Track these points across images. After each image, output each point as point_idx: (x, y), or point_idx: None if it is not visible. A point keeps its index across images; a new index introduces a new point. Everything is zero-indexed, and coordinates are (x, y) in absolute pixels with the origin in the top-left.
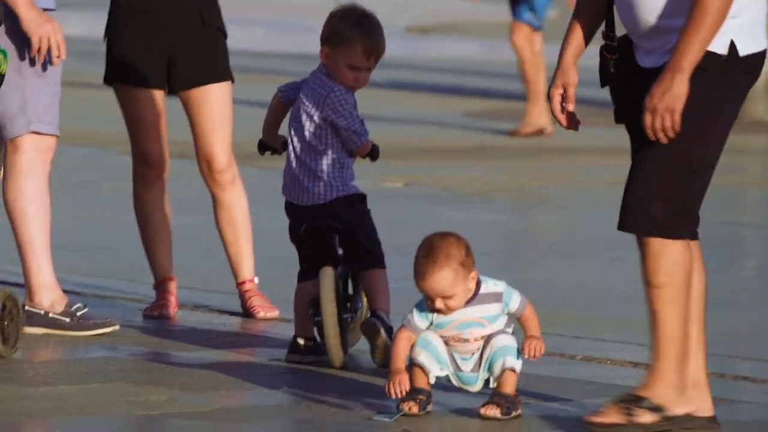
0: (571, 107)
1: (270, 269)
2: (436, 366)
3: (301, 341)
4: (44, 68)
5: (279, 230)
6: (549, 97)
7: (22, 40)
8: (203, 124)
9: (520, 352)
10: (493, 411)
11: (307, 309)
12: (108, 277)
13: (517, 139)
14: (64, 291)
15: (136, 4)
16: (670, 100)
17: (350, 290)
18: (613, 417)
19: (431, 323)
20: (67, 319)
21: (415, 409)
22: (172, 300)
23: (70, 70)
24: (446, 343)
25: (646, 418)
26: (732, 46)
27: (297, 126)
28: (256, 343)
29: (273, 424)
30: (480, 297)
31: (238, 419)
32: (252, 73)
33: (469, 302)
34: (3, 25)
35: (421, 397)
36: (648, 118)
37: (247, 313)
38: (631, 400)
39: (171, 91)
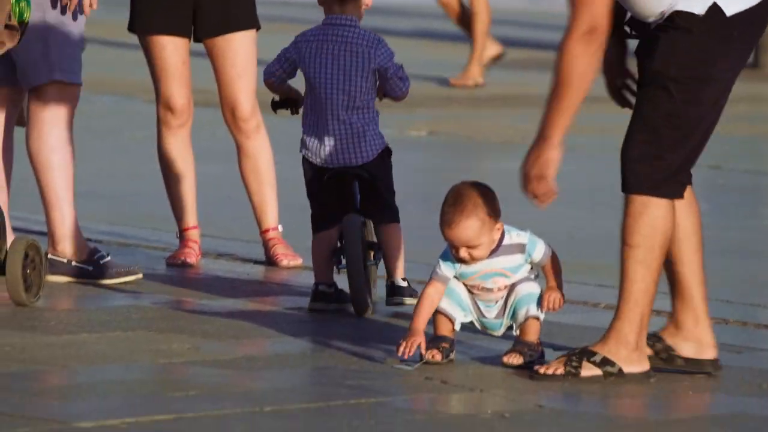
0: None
1: (293, 218)
2: (460, 313)
3: (323, 288)
4: (74, 17)
5: (302, 178)
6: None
7: None
8: (228, 72)
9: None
10: (516, 359)
11: (329, 256)
12: (131, 225)
13: (526, 89)
14: (87, 239)
15: None
16: (540, 167)
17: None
18: (555, 368)
19: (456, 273)
20: (90, 268)
21: (438, 357)
22: (196, 248)
23: (95, 18)
24: (470, 291)
25: (588, 371)
26: (713, 7)
27: (333, 86)
28: (279, 292)
29: (295, 372)
30: (504, 248)
31: (261, 367)
32: (277, 22)
33: (492, 253)
34: None
35: (444, 345)
36: (523, 185)
37: (270, 261)
38: (582, 354)
39: (196, 39)
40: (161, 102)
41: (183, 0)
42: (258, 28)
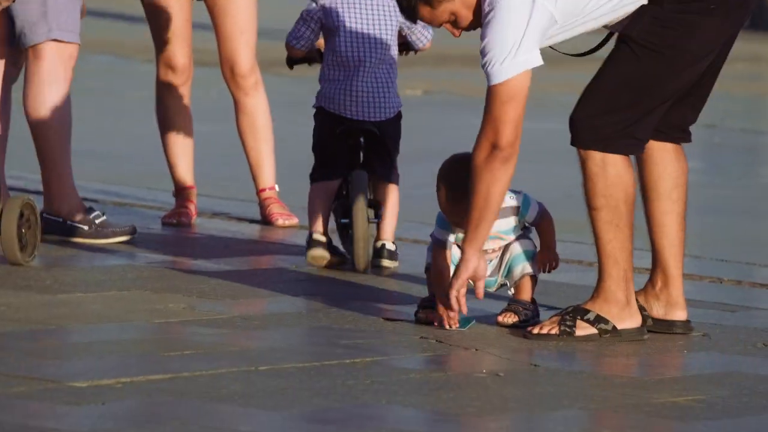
0: None
1: (290, 177)
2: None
3: (318, 237)
4: None
5: (299, 138)
6: None
7: None
8: (228, 28)
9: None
10: (511, 318)
11: (327, 207)
12: (127, 184)
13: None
14: (83, 199)
15: None
16: (462, 278)
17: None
18: (549, 328)
19: (453, 237)
20: (86, 227)
21: (433, 316)
22: (192, 208)
23: None
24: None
25: (582, 330)
26: None
27: (362, 40)
28: (275, 251)
29: (290, 332)
30: (499, 212)
31: (256, 327)
32: None
33: None
34: None
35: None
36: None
37: (266, 220)
38: (576, 313)
39: None
40: (162, 61)
41: None
42: None
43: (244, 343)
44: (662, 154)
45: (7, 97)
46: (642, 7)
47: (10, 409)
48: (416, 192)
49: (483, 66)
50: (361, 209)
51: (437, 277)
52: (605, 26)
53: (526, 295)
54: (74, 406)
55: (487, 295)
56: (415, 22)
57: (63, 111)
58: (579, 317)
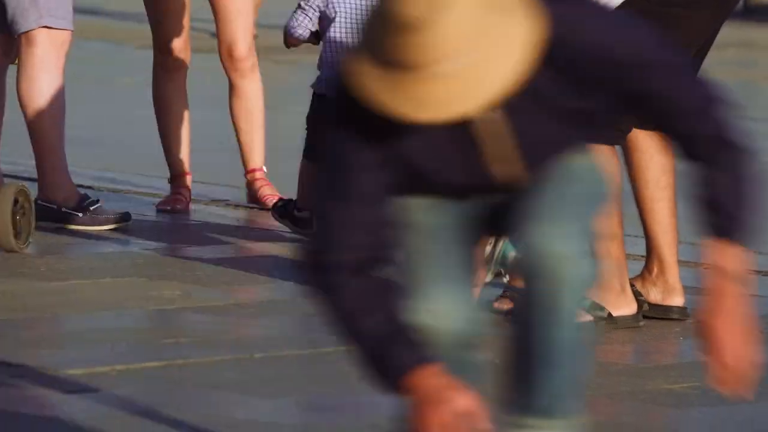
0: None
1: (279, 162)
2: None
3: (306, 215)
4: None
5: (290, 124)
6: None
7: None
8: (228, 10)
9: None
10: (507, 304)
11: None
12: (122, 171)
13: None
14: (78, 185)
15: None
16: None
17: None
18: None
19: None
20: (80, 214)
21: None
22: (186, 194)
23: None
24: None
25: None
26: None
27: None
28: (271, 237)
29: (286, 319)
30: None
31: (252, 314)
32: None
33: None
34: None
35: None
36: None
37: (254, 201)
38: None
39: None
40: (159, 45)
41: None
42: None
43: (240, 331)
44: (647, 142)
45: (0, 83)
46: (627, 0)
47: (4, 397)
48: None
49: None
50: None
51: None
52: None
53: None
54: (69, 394)
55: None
56: None
57: (57, 98)
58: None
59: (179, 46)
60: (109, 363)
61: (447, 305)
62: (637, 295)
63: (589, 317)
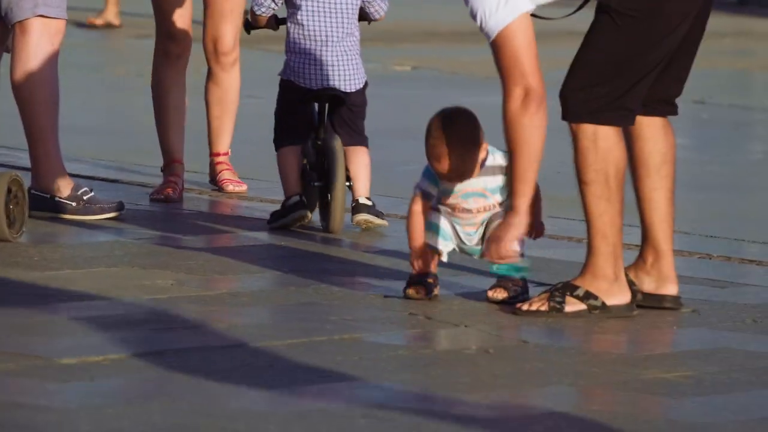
0: None
1: (243, 148)
2: (443, 243)
3: (297, 199)
4: None
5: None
6: None
7: None
8: (218, 4)
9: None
10: (501, 293)
11: (298, 169)
12: (115, 161)
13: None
14: (71, 175)
15: None
16: (513, 235)
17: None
18: (539, 304)
19: (438, 190)
20: (73, 203)
21: (422, 293)
22: (180, 183)
23: None
24: (450, 213)
25: (572, 307)
26: None
27: (325, 13)
28: (264, 227)
29: (279, 308)
30: (486, 169)
31: (245, 303)
32: None
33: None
34: None
35: (428, 280)
36: (494, 250)
37: (214, 183)
38: (565, 288)
39: None
40: (163, 32)
41: None
42: None
43: (233, 320)
44: (651, 130)
45: None
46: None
47: None
48: (403, 168)
49: (480, 29)
50: (340, 175)
51: (413, 222)
52: None
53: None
54: (63, 383)
55: (476, 270)
56: None
57: (50, 86)
58: (568, 293)
59: (181, 31)
60: (102, 352)
61: None
62: (630, 284)
63: (582, 306)
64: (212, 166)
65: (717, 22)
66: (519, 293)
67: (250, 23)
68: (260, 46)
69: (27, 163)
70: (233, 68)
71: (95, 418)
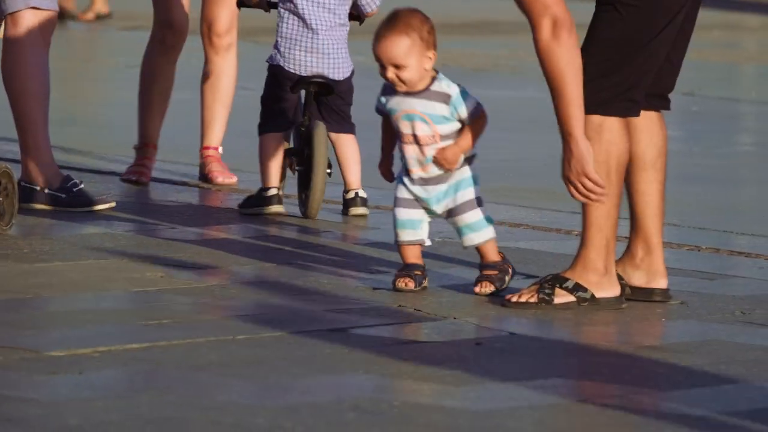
0: None
1: (237, 141)
2: (416, 233)
3: (273, 192)
4: None
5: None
6: None
7: None
8: None
9: (490, 220)
10: (488, 288)
11: (279, 159)
12: (105, 152)
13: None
14: (61, 167)
15: None
16: (578, 167)
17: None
18: (528, 296)
19: (385, 107)
20: (63, 195)
21: (411, 285)
22: (150, 167)
23: None
24: (402, 141)
25: (561, 298)
26: None
27: (316, 3)
28: (254, 220)
29: (268, 300)
30: (428, 92)
31: (234, 295)
32: None
33: (417, 94)
34: None
35: (416, 272)
36: (572, 190)
37: (204, 177)
38: (554, 280)
39: None
40: (160, 21)
41: None
42: None
43: (222, 312)
44: (647, 123)
45: None
46: None
47: None
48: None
49: None
50: (323, 157)
51: (384, 131)
52: None
53: (492, 255)
54: (52, 375)
55: (465, 263)
56: None
57: (41, 78)
58: (558, 285)
59: (180, 20)
60: (91, 344)
61: None
62: (618, 278)
63: (572, 298)
64: (201, 158)
65: (706, 14)
66: (505, 282)
67: (243, 1)
68: (252, 38)
69: (17, 154)
70: (228, 53)
71: (84, 410)
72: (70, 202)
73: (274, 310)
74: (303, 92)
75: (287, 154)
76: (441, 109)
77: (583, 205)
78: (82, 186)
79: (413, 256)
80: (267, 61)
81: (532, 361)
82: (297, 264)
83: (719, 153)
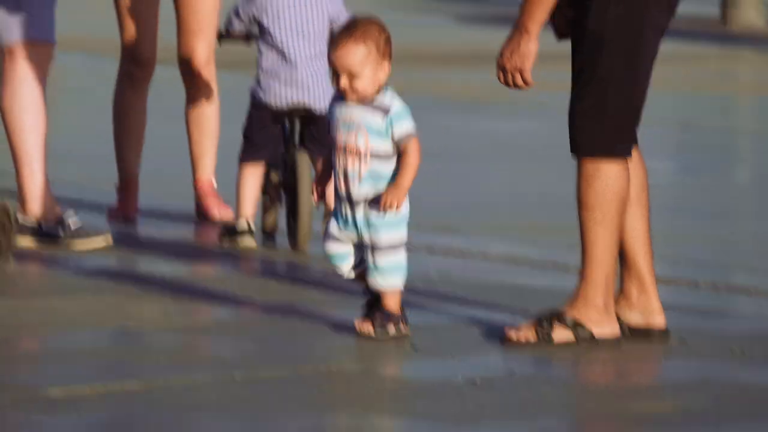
0: None
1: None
2: (346, 264)
3: (245, 225)
4: None
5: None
6: None
7: None
8: (190, 20)
9: (404, 268)
10: (368, 328)
11: (258, 189)
12: (102, 187)
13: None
14: (58, 199)
15: None
16: (517, 60)
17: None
18: (526, 333)
19: (329, 114)
20: (60, 231)
21: (369, 329)
22: (135, 203)
23: None
24: (336, 154)
25: (560, 335)
26: None
27: (296, 35)
28: (252, 255)
29: (265, 338)
30: (370, 103)
31: (231, 332)
32: None
33: (364, 101)
34: None
35: (375, 311)
36: (500, 75)
37: (199, 211)
38: (553, 316)
39: None
40: (127, 54)
41: None
42: None
43: (220, 350)
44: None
45: None
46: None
47: None
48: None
49: None
50: (307, 186)
51: (326, 157)
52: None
53: (391, 306)
54: (49, 415)
55: (463, 299)
56: None
57: (37, 112)
58: (556, 321)
59: (147, 55)
60: (88, 382)
61: None
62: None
63: (570, 335)
64: (195, 191)
65: (700, 45)
66: (383, 335)
67: (223, 34)
68: (232, 69)
69: (14, 188)
70: (207, 85)
71: None
72: (68, 237)
73: (272, 347)
74: (286, 122)
75: (271, 185)
76: (378, 122)
77: (583, 242)
78: (78, 221)
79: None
80: (250, 93)
81: (531, 400)
82: (292, 300)
83: (716, 185)
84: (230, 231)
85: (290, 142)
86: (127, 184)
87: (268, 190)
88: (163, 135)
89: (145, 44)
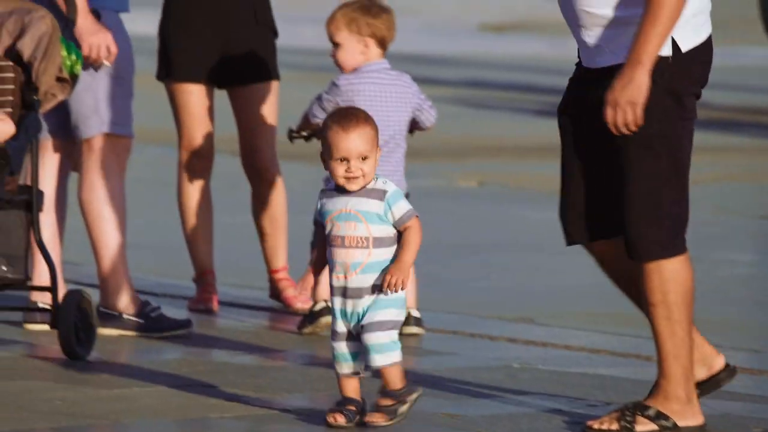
0: None
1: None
2: (348, 365)
3: (323, 305)
4: (123, 70)
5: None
6: None
7: None
8: (249, 121)
9: (397, 344)
10: (379, 419)
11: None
12: (182, 277)
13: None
14: (138, 292)
15: (192, 0)
16: (631, 93)
17: None
18: (609, 425)
19: (318, 211)
20: (141, 321)
21: (341, 420)
22: (214, 292)
23: (145, 68)
24: (331, 244)
25: (644, 426)
26: (674, 44)
27: (382, 128)
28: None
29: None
30: (366, 190)
31: (314, 422)
32: (301, 71)
33: (353, 193)
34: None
35: (349, 407)
36: (610, 113)
37: (278, 300)
38: (636, 408)
39: (219, 87)
40: (184, 146)
41: (211, 48)
42: (278, 79)
43: None
44: None
45: (62, 189)
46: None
47: None
48: (472, 284)
49: None
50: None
51: (321, 250)
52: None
53: (395, 382)
54: None
55: (542, 392)
56: None
57: (117, 204)
58: (639, 413)
59: (206, 147)
60: None
61: None
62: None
63: (654, 426)
64: (272, 282)
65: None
66: (396, 416)
67: (294, 131)
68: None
69: (95, 279)
70: (275, 184)
71: None
72: (149, 327)
73: None
74: None
75: None
76: (376, 206)
77: (656, 336)
78: (160, 311)
79: (350, 389)
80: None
81: None
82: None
83: (713, 269)
84: (310, 317)
85: None
86: (204, 277)
87: None
88: (230, 224)
89: (202, 136)
